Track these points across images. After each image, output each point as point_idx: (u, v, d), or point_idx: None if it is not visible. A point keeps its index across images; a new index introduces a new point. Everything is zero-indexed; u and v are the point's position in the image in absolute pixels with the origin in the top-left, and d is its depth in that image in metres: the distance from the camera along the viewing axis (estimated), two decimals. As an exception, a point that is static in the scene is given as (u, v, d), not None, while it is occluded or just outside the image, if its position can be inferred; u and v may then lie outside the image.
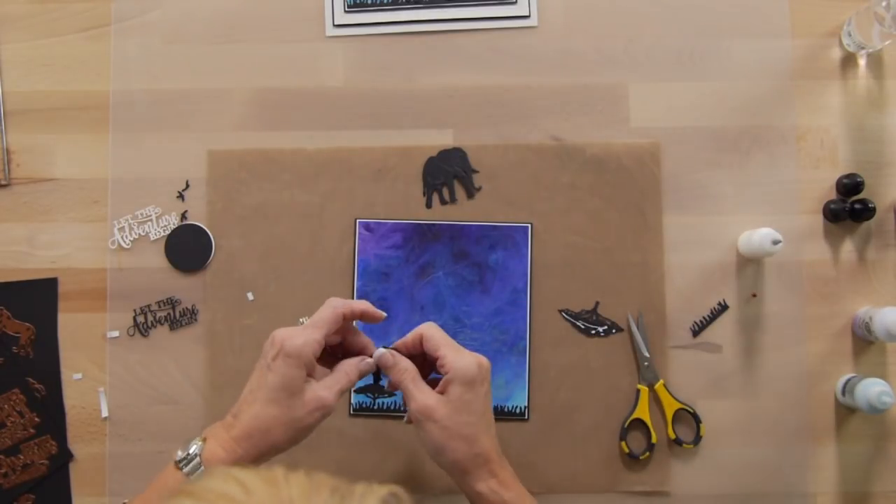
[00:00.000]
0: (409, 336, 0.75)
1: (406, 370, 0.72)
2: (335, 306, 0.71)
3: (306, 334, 0.68)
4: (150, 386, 0.94)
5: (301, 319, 0.90)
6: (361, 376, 0.73)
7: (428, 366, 0.76)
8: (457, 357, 0.72)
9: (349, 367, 0.72)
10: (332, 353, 0.75)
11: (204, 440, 0.68)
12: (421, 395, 0.71)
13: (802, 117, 0.96)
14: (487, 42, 0.98)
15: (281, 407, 0.67)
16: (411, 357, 0.74)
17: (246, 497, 0.42)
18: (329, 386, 0.69)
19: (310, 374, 0.69)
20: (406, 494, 0.45)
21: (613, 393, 0.94)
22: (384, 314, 0.75)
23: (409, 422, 0.74)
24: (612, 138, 0.96)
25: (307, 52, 0.98)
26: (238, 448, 0.66)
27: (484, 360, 0.73)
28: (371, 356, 0.74)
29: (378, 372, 0.75)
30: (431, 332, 0.74)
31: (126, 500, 0.65)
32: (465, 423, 0.70)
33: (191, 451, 0.66)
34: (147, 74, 0.98)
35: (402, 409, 0.93)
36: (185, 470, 0.65)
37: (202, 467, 0.65)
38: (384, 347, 0.74)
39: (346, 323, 0.73)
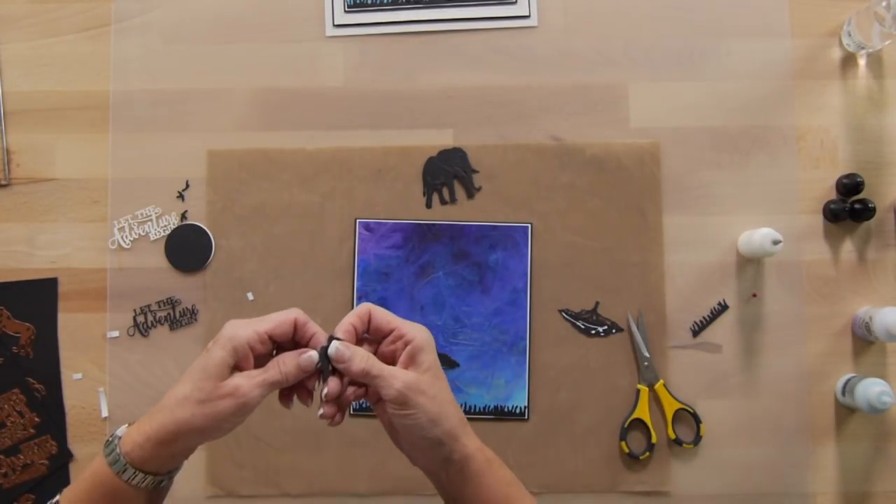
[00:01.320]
0: (351, 320, 0.67)
1: (368, 356, 0.65)
2: (289, 311, 0.67)
3: (248, 323, 0.65)
4: (150, 386, 0.94)
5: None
6: (302, 371, 0.65)
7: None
8: (412, 327, 0.67)
9: (283, 360, 0.65)
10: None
11: (131, 423, 0.65)
12: (400, 373, 0.65)
13: (802, 117, 0.96)
14: (487, 42, 0.98)
15: (195, 387, 0.63)
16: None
17: None
18: (252, 376, 0.63)
19: (241, 366, 0.64)
20: None
21: (613, 393, 0.94)
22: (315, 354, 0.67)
23: (327, 414, 0.67)
24: (611, 138, 0.96)
25: (307, 52, 0.98)
26: (147, 426, 0.63)
27: (423, 325, 0.69)
28: (313, 348, 0.66)
29: (325, 363, 0.65)
30: (377, 309, 0.68)
31: (57, 497, 0.64)
32: (444, 388, 0.67)
33: (116, 433, 0.64)
34: (147, 74, 0.98)
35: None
36: (105, 451, 0.63)
37: (118, 449, 0.62)
38: (332, 338, 0.65)
39: (297, 333, 0.67)
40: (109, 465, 0.61)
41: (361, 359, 0.65)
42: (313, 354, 0.65)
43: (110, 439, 0.63)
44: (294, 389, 0.67)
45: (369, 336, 0.69)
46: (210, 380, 0.63)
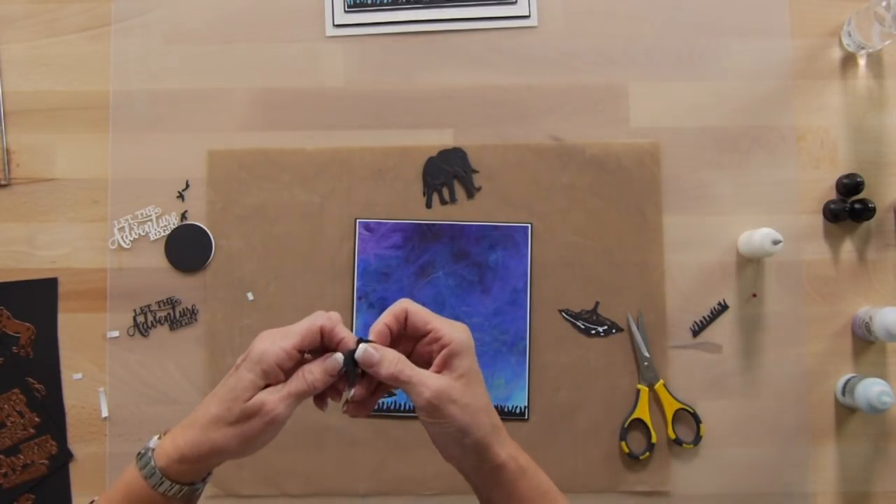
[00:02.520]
0: (386, 319, 0.64)
1: (398, 359, 0.62)
2: (315, 318, 0.64)
3: (275, 340, 0.62)
4: (150, 386, 0.94)
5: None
6: (329, 377, 0.62)
7: (402, 351, 0.66)
8: (451, 328, 0.64)
9: (308, 369, 0.62)
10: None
11: (164, 434, 0.64)
12: (431, 379, 0.62)
13: (802, 117, 0.96)
14: (487, 42, 0.98)
15: (222, 408, 0.61)
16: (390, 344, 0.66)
17: None
18: (277, 390, 0.61)
19: (271, 383, 0.62)
20: None
21: (613, 393, 0.94)
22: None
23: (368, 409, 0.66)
24: (611, 138, 0.96)
25: (307, 52, 0.98)
26: (182, 444, 0.62)
27: (465, 325, 0.66)
28: (341, 352, 0.63)
29: (351, 366, 0.63)
30: (415, 307, 0.65)
31: (95, 498, 0.64)
32: (479, 395, 0.64)
33: (149, 445, 0.63)
34: (147, 74, 0.98)
35: (404, 408, 0.93)
36: (139, 464, 0.62)
37: (152, 462, 0.61)
38: (362, 340, 0.62)
39: (325, 339, 0.64)
40: (145, 478, 0.61)
41: (390, 363, 0.62)
42: (338, 357, 0.63)
43: (143, 452, 0.63)
44: (325, 391, 0.65)
45: (406, 334, 0.66)
46: (238, 401, 0.61)
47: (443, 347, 0.63)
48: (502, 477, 0.65)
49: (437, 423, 0.62)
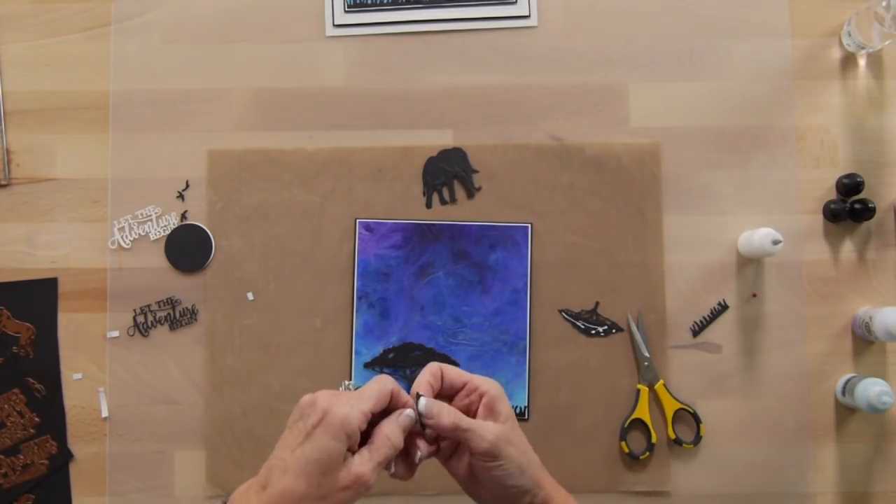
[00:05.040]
0: (426, 377, 0.66)
1: (454, 410, 0.64)
2: (383, 381, 0.64)
3: (353, 403, 0.60)
4: (150, 386, 0.94)
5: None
6: (405, 433, 0.63)
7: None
8: (483, 379, 0.67)
9: (390, 431, 0.62)
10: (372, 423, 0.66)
11: (238, 495, 0.61)
12: (487, 426, 0.64)
13: (802, 117, 0.96)
14: (487, 42, 0.98)
15: (311, 483, 0.59)
16: None
17: None
18: (368, 459, 0.61)
19: (350, 448, 0.61)
20: None
21: (613, 393, 0.94)
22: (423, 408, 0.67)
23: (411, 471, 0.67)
24: (611, 138, 0.96)
25: (307, 52, 0.98)
26: None
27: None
28: (407, 407, 0.64)
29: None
30: (447, 366, 0.68)
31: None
32: (524, 436, 0.67)
33: None
34: (147, 74, 0.98)
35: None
36: None
37: None
38: (419, 395, 0.64)
39: (393, 401, 0.64)
40: None
41: (449, 413, 0.64)
42: (410, 413, 0.64)
43: None
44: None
45: (442, 393, 0.68)
46: (328, 475, 0.59)
47: (481, 396, 0.66)
48: None
49: (497, 465, 0.64)
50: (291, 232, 0.96)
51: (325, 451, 0.59)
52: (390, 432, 0.62)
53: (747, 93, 0.97)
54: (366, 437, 0.62)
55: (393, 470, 0.64)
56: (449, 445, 0.66)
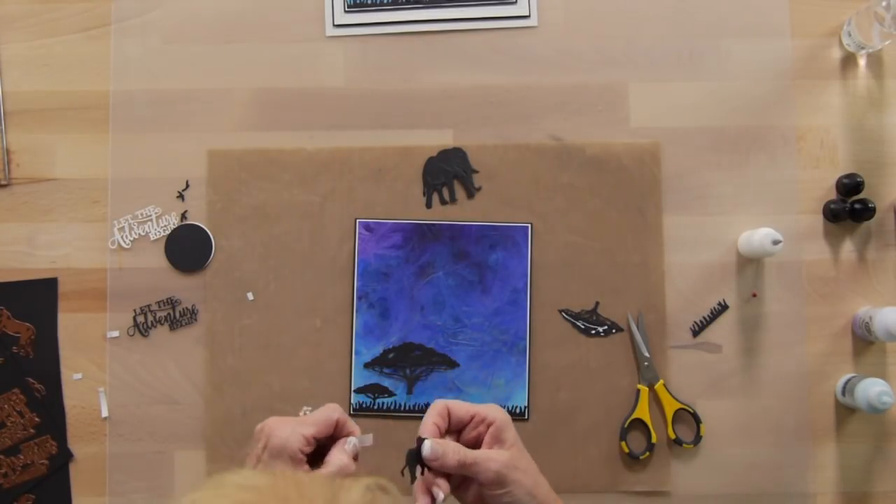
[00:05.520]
0: (432, 417, 0.69)
1: (458, 447, 0.67)
2: (330, 410, 0.69)
3: (294, 428, 0.66)
4: (150, 386, 0.94)
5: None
6: (354, 459, 0.69)
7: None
8: (489, 408, 0.70)
9: (336, 458, 0.67)
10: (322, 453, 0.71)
11: None
12: (493, 454, 0.67)
13: (802, 117, 0.96)
14: (487, 42, 0.98)
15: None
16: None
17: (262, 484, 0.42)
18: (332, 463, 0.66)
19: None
20: (391, 486, 0.44)
21: (613, 393, 0.94)
22: (369, 442, 0.72)
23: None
24: (611, 138, 0.96)
25: (307, 52, 0.98)
26: None
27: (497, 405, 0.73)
28: (351, 435, 0.70)
29: (414, 464, 0.67)
30: (453, 402, 0.71)
31: None
32: (530, 459, 0.70)
33: None
34: (147, 74, 0.98)
35: (404, 408, 0.93)
36: None
37: None
38: (421, 438, 0.66)
39: (338, 430, 0.70)
40: None
41: (455, 451, 0.66)
42: (354, 440, 0.69)
43: None
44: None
45: (450, 429, 0.71)
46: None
47: (489, 426, 0.69)
48: None
49: (506, 492, 0.66)
50: (291, 232, 0.96)
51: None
52: (337, 459, 0.67)
53: (747, 93, 0.97)
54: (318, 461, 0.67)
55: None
56: (457, 475, 0.68)
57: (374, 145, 0.96)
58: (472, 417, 0.70)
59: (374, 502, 0.41)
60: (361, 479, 0.43)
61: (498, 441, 0.68)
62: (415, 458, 0.65)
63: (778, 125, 0.96)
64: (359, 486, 0.43)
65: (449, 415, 0.70)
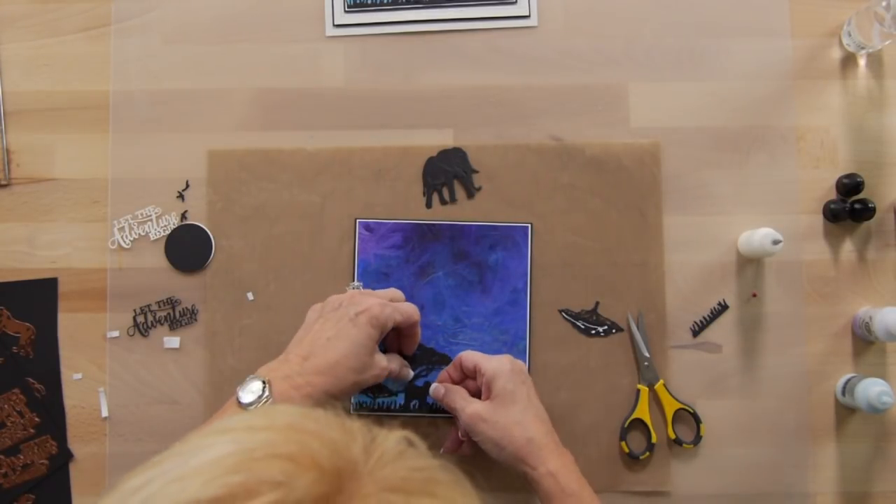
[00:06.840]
0: (450, 366, 0.86)
1: (456, 390, 0.82)
2: (416, 314, 0.82)
3: (391, 310, 0.77)
4: (150, 386, 0.94)
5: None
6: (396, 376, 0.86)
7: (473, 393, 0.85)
8: (490, 360, 0.81)
9: (399, 362, 0.84)
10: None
11: (266, 382, 0.69)
12: (468, 405, 0.79)
13: (802, 117, 0.96)
14: (487, 42, 0.98)
15: (358, 360, 0.73)
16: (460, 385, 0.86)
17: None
18: (388, 360, 0.79)
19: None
20: (420, 442, 0.47)
21: (613, 393, 0.94)
22: (409, 377, 0.89)
23: (456, 448, 0.85)
24: (611, 138, 0.96)
25: (307, 52, 0.98)
26: (308, 385, 0.70)
27: (515, 359, 0.83)
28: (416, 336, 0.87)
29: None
30: (467, 353, 0.84)
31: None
32: (513, 413, 0.77)
33: (263, 395, 0.68)
34: (147, 74, 0.98)
35: (402, 408, 0.93)
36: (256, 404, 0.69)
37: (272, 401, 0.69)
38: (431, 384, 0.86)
39: (413, 328, 0.85)
40: None
41: (450, 393, 0.82)
42: (409, 371, 0.88)
43: (261, 396, 0.68)
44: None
45: (465, 377, 0.85)
46: (369, 356, 0.75)
47: (483, 375, 0.80)
48: (540, 491, 0.76)
49: (476, 440, 0.79)
50: (291, 232, 0.96)
51: (369, 336, 0.75)
52: (399, 362, 0.84)
53: (747, 93, 0.97)
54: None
55: (441, 451, 0.86)
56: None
57: (374, 145, 0.96)
58: (475, 369, 0.81)
59: (404, 453, 0.44)
60: (396, 430, 0.47)
61: (488, 392, 0.79)
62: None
63: (778, 125, 0.96)
64: (394, 435, 0.46)
65: (462, 365, 0.83)
